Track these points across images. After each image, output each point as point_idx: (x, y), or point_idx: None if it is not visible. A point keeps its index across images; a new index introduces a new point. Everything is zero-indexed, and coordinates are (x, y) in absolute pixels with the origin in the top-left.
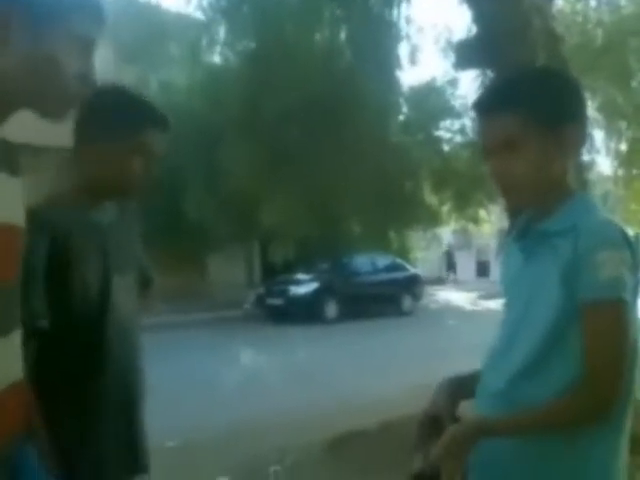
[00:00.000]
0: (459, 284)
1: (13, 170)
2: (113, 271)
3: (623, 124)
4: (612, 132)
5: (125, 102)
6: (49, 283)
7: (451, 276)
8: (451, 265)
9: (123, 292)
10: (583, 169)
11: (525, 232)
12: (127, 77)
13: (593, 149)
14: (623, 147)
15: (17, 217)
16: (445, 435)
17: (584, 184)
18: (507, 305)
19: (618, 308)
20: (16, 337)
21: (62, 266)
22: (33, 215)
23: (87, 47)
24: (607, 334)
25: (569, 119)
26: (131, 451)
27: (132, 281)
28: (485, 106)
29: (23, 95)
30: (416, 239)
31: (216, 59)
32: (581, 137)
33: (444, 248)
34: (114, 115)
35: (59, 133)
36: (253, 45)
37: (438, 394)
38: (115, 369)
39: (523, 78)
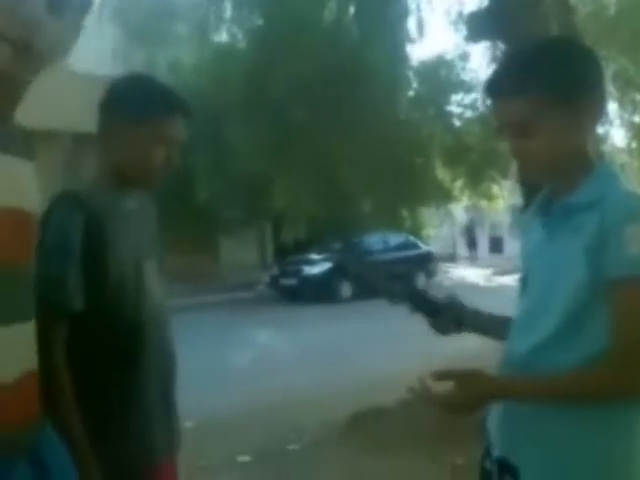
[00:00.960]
0: (473, 261)
1: (30, 156)
2: (144, 256)
3: (637, 95)
4: (626, 104)
5: (148, 89)
6: (84, 264)
7: (472, 254)
8: (472, 242)
9: (152, 276)
10: (597, 141)
11: (547, 207)
12: (136, 57)
13: (607, 121)
14: (637, 119)
15: (31, 203)
16: (456, 394)
17: (599, 156)
18: (529, 279)
19: None
20: (29, 327)
21: (98, 247)
22: (68, 196)
23: None
24: (636, 311)
25: (586, 90)
26: (168, 432)
27: (157, 267)
28: (498, 88)
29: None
30: (428, 216)
31: (223, 37)
32: (599, 108)
33: (464, 224)
34: (138, 102)
35: (62, 118)
36: (260, 22)
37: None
38: (151, 353)
39: (537, 56)
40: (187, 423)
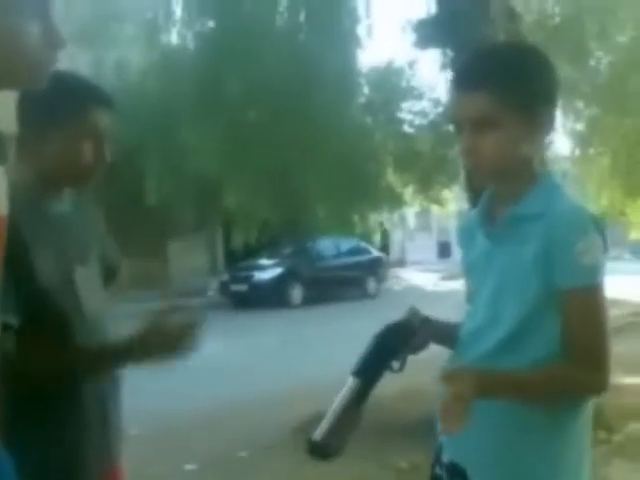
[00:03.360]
0: (421, 265)
1: (3, 160)
2: (75, 262)
3: (580, 104)
4: (569, 112)
5: (64, 84)
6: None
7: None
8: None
9: (88, 283)
10: (543, 150)
11: (489, 217)
12: (82, 58)
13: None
14: (580, 127)
15: (4, 207)
16: (451, 387)
17: (543, 165)
18: (476, 290)
19: (599, 294)
20: None
21: (18, 258)
22: None
23: (45, 8)
24: (592, 320)
25: (545, 102)
26: (104, 444)
27: (96, 272)
28: (462, 81)
29: None
30: (378, 221)
31: (173, 39)
32: (552, 120)
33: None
34: (55, 99)
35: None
36: (211, 24)
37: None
38: None
39: (501, 55)
40: (133, 431)
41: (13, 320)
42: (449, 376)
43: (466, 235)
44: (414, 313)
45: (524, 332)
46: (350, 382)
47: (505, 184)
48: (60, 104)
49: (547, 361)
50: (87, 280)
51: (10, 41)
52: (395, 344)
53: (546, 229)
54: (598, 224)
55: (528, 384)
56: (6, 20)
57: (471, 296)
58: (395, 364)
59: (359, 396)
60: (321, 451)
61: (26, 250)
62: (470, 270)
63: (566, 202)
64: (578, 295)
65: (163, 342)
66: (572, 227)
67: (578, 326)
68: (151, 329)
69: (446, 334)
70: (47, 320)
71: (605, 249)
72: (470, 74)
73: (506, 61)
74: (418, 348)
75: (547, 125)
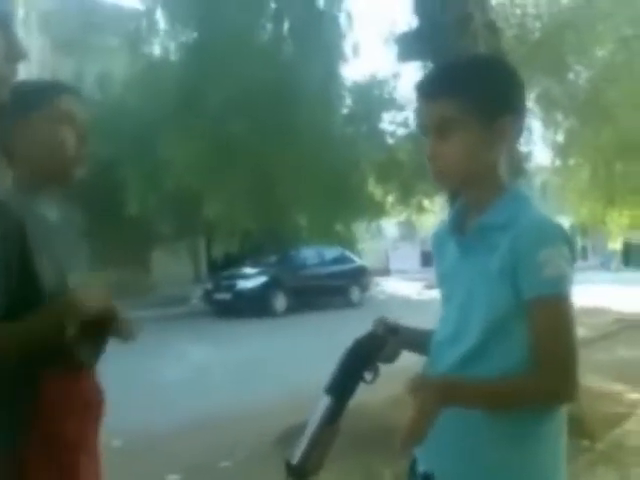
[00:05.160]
0: (404, 274)
1: None
2: (66, 268)
3: (560, 115)
4: (549, 123)
5: (31, 82)
6: (4, 276)
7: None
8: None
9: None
10: (521, 160)
11: (460, 226)
12: (63, 69)
13: (531, 140)
14: (560, 138)
15: None
16: (414, 399)
17: (522, 175)
18: (446, 299)
19: (564, 303)
20: None
21: (20, 258)
22: None
23: (5, 21)
24: (557, 329)
25: (507, 110)
26: None
27: (81, 280)
28: (424, 89)
29: None
30: (361, 230)
31: (156, 50)
32: (517, 130)
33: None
34: (27, 93)
35: None
36: (194, 35)
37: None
38: None
39: (466, 65)
40: (116, 442)
41: None
42: (412, 387)
43: (438, 243)
44: (381, 323)
45: (492, 342)
46: (324, 400)
47: (470, 192)
48: (26, 99)
49: (516, 370)
50: (76, 286)
51: None
52: (364, 357)
53: (512, 239)
54: (564, 234)
55: (494, 394)
56: None
57: (443, 305)
58: (368, 375)
59: (334, 414)
60: (299, 473)
61: (23, 252)
62: (442, 279)
63: (532, 213)
64: (542, 304)
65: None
66: (536, 237)
67: (543, 335)
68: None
69: (418, 342)
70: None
71: (573, 259)
72: (431, 82)
73: (467, 70)
74: (389, 358)
75: (509, 134)
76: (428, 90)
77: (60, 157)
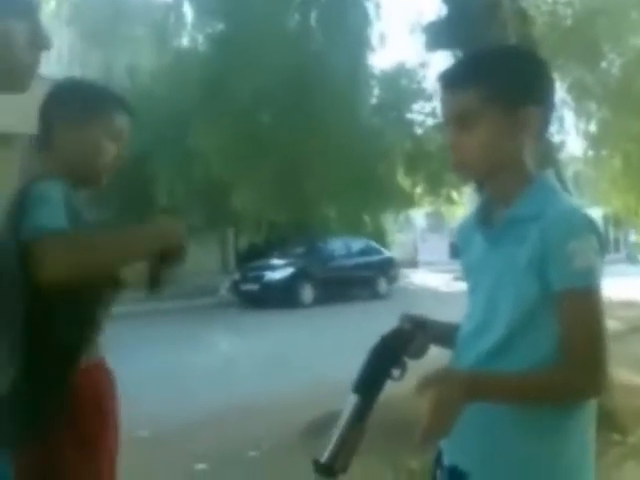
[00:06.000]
0: (433, 266)
1: None
2: None
3: (592, 105)
4: (582, 113)
5: (91, 89)
6: None
7: None
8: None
9: None
10: (553, 150)
11: (487, 219)
12: (92, 61)
13: (563, 130)
14: (593, 128)
15: None
16: (433, 395)
17: (554, 165)
18: (474, 291)
19: (594, 295)
20: None
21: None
22: (48, 176)
23: (31, 9)
24: (587, 321)
25: (529, 101)
26: None
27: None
28: (447, 79)
29: None
30: (390, 222)
31: (184, 42)
32: (543, 121)
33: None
34: (85, 100)
35: (18, 120)
36: (222, 27)
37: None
38: None
39: (489, 55)
40: (143, 432)
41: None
42: (435, 380)
43: (465, 236)
44: (408, 319)
45: (519, 335)
46: (351, 399)
47: (495, 184)
48: (89, 105)
49: (543, 364)
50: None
51: None
52: (391, 354)
53: (540, 230)
54: (594, 225)
55: (522, 388)
56: None
57: (469, 298)
58: (395, 372)
59: (362, 412)
60: (327, 471)
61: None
62: (468, 271)
63: (561, 203)
64: (571, 296)
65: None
66: (565, 228)
67: (571, 328)
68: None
69: (446, 336)
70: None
71: (602, 251)
72: (452, 73)
73: (489, 60)
74: (417, 353)
75: (533, 125)
76: (449, 81)
77: (100, 166)
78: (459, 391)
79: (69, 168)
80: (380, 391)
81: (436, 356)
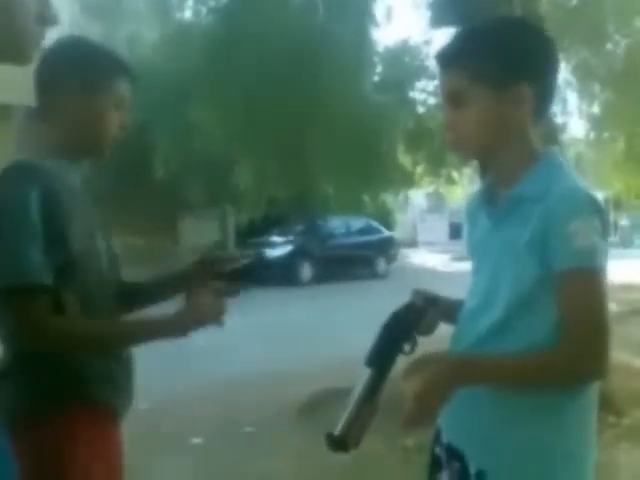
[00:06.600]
0: (432, 246)
1: None
2: (95, 234)
3: (596, 87)
4: (585, 95)
5: (93, 52)
6: (44, 241)
7: None
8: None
9: (104, 257)
10: (556, 131)
11: (491, 198)
12: (93, 32)
13: (566, 111)
14: (596, 110)
15: None
16: (419, 378)
17: (557, 146)
18: (476, 270)
19: (596, 276)
20: None
21: (55, 224)
22: (22, 167)
23: None
24: (588, 302)
25: (522, 76)
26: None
27: (105, 247)
28: (440, 57)
29: None
30: (390, 202)
31: (187, 14)
32: (541, 97)
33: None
34: (85, 66)
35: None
36: (225, 0)
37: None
38: None
39: (479, 31)
40: (142, 405)
41: (48, 281)
42: (422, 364)
43: (470, 215)
44: (419, 295)
45: (518, 315)
46: (364, 373)
47: (496, 162)
48: (90, 70)
49: (543, 345)
50: (103, 254)
51: (4, 16)
52: (404, 329)
53: (544, 209)
54: (597, 205)
55: (518, 370)
56: None
57: (472, 277)
58: (406, 347)
59: (375, 386)
60: (340, 444)
61: (58, 218)
62: (473, 250)
63: (565, 182)
64: (572, 276)
65: (200, 317)
66: (567, 207)
67: (572, 309)
68: (188, 307)
69: (456, 313)
70: (74, 286)
71: (605, 232)
72: (445, 51)
73: (480, 37)
74: (428, 330)
75: (527, 102)
76: (442, 59)
77: (103, 137)
78: (445, 377)
79: (72, 139)
80: (393, 365)
81: (445, 334)
